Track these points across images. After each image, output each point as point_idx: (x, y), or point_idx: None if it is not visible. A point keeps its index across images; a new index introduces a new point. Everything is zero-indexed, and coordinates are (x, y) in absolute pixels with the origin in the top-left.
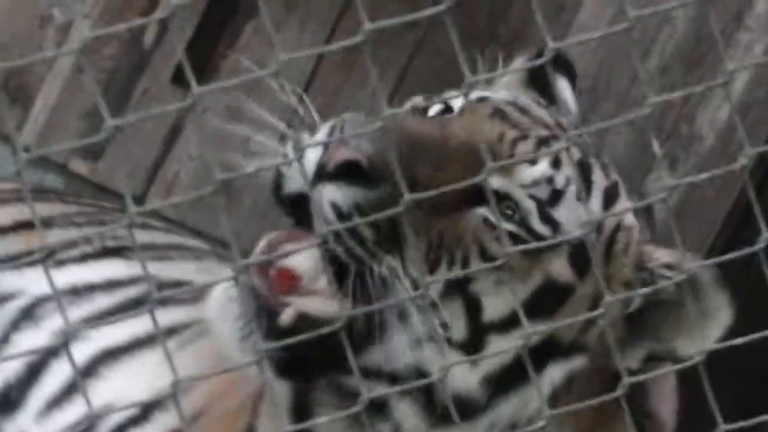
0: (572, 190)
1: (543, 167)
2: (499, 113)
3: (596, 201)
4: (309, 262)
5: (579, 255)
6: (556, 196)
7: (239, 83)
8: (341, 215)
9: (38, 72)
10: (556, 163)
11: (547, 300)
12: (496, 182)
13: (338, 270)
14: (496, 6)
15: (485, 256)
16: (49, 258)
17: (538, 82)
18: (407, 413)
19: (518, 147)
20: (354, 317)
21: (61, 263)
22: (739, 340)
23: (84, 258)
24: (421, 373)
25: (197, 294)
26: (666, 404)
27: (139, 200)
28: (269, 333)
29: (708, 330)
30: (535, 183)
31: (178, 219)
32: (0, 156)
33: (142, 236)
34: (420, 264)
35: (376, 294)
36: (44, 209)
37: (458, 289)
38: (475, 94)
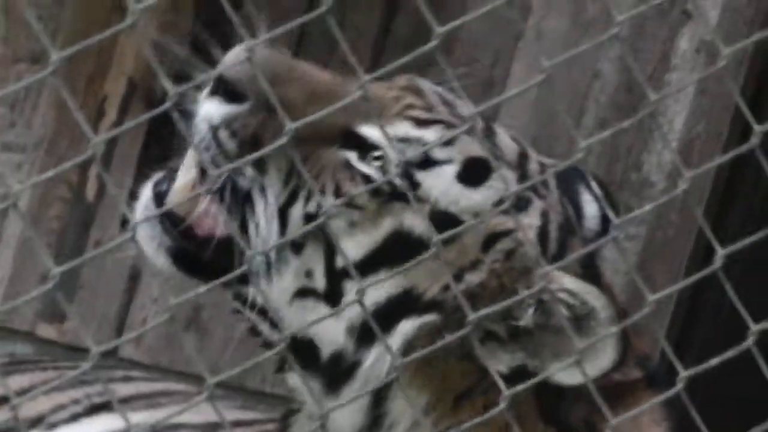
0: (452, 168)
1: (424, 134)
2: (415, 89)
3: (486, 195)
4: None
5: (443, 221)
6: (428, 163)
7: None
8: (213, 129)
9: None
10: (446, 143)
11: (399, 250)
12: (370, 131)
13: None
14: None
15: (339, 195)
16: (39, 423)
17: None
18: (295, 378)
19: (413, 111)
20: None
21: (53, 426)
22: (714, 361)
23: (75, 417)
24: (294, 336)
25: None
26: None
27: (112, 354)
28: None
29: (587, 365)
30: (407, 140)
31: (153, 363)
32: None
33: (127, 388)
34: (278, 185)
35: (242, 213)
36: (24, 380)
37: (316, 227)
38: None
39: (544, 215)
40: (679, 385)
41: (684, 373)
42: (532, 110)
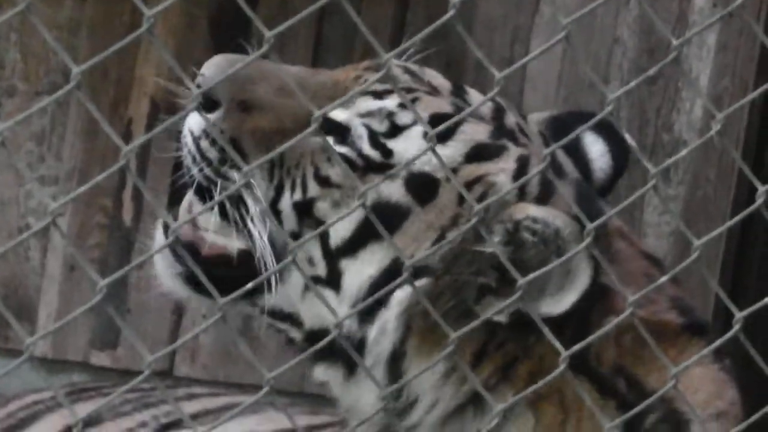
0: (418, 129)
1: (385, 103)
2: (376, 67)
3: (455, 149)
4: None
5: (418, 183)
6: (395, 129)
7: None
8: (196, 141)
9: (33, 283)
10: (404, 105)
11: (382, 221)
12: (339, 114)
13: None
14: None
15: (319, 177)
16: None
17: (559, 132)
18: (319, 370)
19: (370, 87)
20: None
21: None
22: None
23: None
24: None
25: None
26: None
27: (168, 374)
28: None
29: (569, 289)
30: (371, 114)
31: (211, 378)
32: (18, 371)
33: (193, 406)
34: (264, 183)
35: (236, 216)
36: (88, 407)
37: (306, 214)
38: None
39: (521, 159)
40: (736, 327)
41: (739, 315)
42: (557, 83)
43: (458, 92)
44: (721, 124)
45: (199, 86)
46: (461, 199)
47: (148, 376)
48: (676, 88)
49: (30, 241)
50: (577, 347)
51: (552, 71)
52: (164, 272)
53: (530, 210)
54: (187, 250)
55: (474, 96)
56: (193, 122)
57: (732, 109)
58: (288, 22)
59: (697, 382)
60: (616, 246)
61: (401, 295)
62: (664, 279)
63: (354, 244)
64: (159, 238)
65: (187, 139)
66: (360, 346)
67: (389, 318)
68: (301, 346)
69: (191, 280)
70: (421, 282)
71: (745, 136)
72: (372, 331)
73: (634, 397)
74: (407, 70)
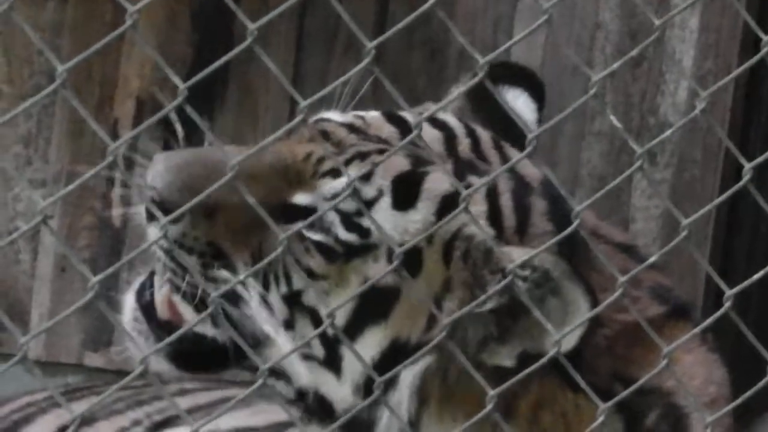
0: (386, 200)
1: (346, 181)
2: (321, 134)
3: (425, 209)
4: None
5: (406, 257)
6: (364, 206)
7: None
8: (168, 253)
9: (24, 285)
10: (365, 177)
11: (375, 303)
12: (302, 198)
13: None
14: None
15: (300, 267)
16: None
17: (479, 98)
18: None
19: (324, 164)
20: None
21: None
22: None
23: None
24: (306, 393)
25: None
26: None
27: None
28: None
29: (570, 322)
30: (336, 196)
31: (204, 376)
32: (12, 374)
33: (186, 401)
34: (251, 277)
35: (231, 311)
36: (82, 406)
37: (298, 304)
38: (319, 115)
39: (490, 194)
40: (727, 304)
41: (729, 292)
42: (539, 70)
43: (409, 135)
44: (706, 103)
45: (154, 200)
46: (447, 261)
47: (141, 374)
48: (660, 71)
49: (20, 244)
50: (502, 387)
51: (535, 58)
52: (148, 351)
53: (515, 256)
54: (165, 328)
55: (425, 131)
56: (157, 235)
57: (716, 86)
58: (270, 15)
59: (689, 369)
60: (592, 253)
61: (410, 375)
62: (641, 267)
63: (351, 330)
64: (133, 312)
65: (159, 254)
66: (369, 426)
67: (401, 398)
68: (293, 402)
69: (174, 358)
70: (426, 360)
71: (730, 116)
72: (383, 416)
73: (632, 395)
74: (352, 128)
